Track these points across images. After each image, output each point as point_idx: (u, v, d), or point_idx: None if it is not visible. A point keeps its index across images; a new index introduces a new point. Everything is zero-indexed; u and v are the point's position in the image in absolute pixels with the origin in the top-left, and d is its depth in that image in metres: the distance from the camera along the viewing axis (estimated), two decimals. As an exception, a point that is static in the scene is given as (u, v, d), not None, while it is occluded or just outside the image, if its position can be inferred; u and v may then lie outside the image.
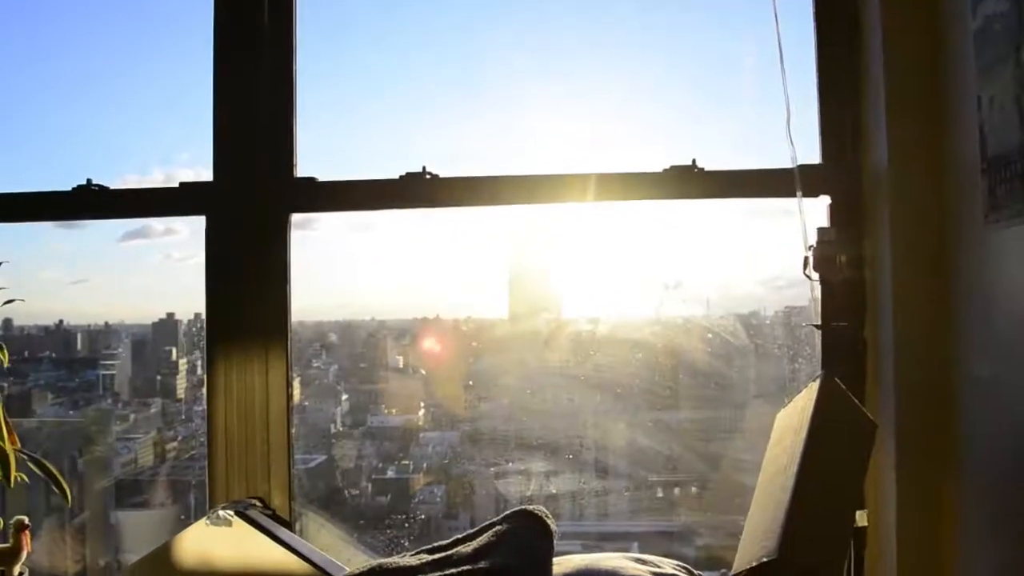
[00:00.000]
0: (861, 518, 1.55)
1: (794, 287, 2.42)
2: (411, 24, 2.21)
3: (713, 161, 1.73)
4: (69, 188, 1.83)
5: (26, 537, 1.61)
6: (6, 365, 1.67)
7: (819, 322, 1.59)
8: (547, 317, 2.63)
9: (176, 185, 1.84)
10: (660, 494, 2.53)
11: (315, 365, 3.35)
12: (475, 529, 1.53)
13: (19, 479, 1.57)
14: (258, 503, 1.75)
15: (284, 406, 1.77)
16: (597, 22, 2.04)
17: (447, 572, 1.38)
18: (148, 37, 2.45)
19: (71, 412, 3.96)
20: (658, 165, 1.73)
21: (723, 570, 1.63)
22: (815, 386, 1.45)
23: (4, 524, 1.63)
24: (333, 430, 3.50)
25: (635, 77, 2.02)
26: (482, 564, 1.37)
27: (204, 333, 3.77)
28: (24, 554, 1.60)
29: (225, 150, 1.81)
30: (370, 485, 3.42)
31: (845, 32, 1.72)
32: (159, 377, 4.00)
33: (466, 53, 2.20)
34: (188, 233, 2.99)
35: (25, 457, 1.59)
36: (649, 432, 2.50)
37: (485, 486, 2.96)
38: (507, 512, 1.52)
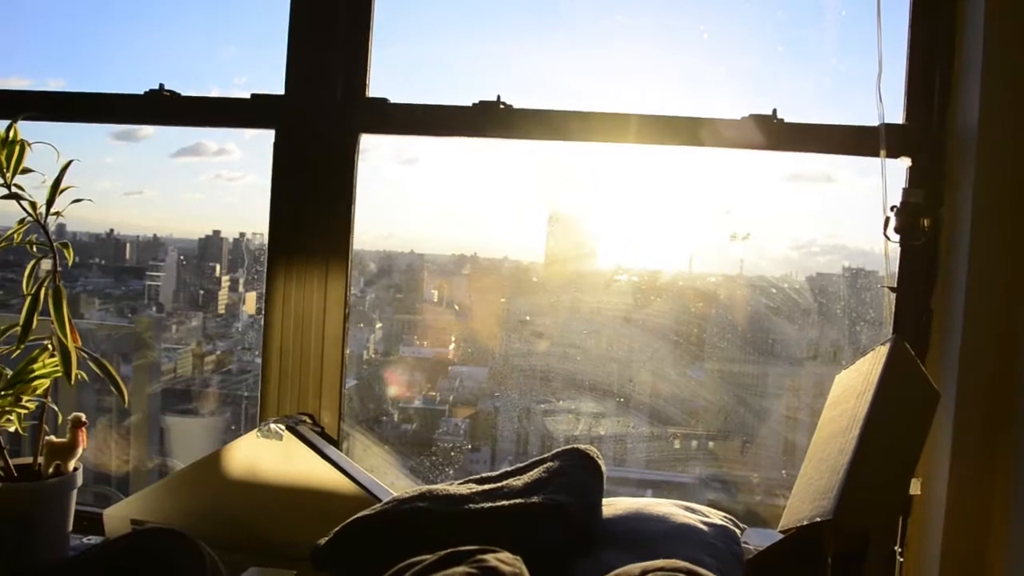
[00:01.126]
0: (914, 486, 1.52)
1: (827, 254, 2.37)
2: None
3: (795, 113, 1.66)
4: (141, 92, 1.80)
5: (82, 433, 1.61)
6: (71, 264, 1.66)
7: (894, 285, 1.53)
8: (601, 262, 2.60)
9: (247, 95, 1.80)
10: (709, 445, 2.52)
11: (352, 292, 3.36)
12: (525, 463, 1.51)
13: (79, 377, 1.57)
14: (308, 419, 1.74)
15: (340, 327, 1.75)
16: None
17: (498, 503, 1.36)
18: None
19: (117, 320, 4.01)
20: (737, 112, 1.66)
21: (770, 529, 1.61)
22: (883, 350, 1.41)
23: (62, 419, 1.64)
24: (365, 356, 3.51)
25: (722, 20, 1.93)
26: (534, 499, 1.36)
27: (245, 251, 3.79)
28: (80, 450, 1.61)
29: (299, 64, 1.76)
30: (397, 412, 3.44)
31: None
32: (202, 292, 4.03)
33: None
34: (240, 154, 2.98)
35: (86, 356, 1.59)
36: (700, 383, 2.47)
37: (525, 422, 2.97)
38: (558, 449, 1.51)
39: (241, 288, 3.92)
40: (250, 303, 3.90)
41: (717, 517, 1.50)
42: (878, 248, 1.63)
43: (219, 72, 3.00)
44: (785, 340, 2.42)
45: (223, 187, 3.29)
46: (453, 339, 3.46)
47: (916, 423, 1.38)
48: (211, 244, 3.98)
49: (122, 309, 4.04)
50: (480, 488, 1.44)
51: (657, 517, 1.43)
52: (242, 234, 3.92)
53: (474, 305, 3.29)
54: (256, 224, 3.54)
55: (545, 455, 1.50)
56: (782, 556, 1.36)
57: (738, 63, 1.95)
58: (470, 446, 3.27)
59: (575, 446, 1.49)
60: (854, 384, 1.45)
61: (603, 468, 1.45)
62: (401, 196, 2.80)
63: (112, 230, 4.27)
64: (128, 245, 4.00)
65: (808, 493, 1.39)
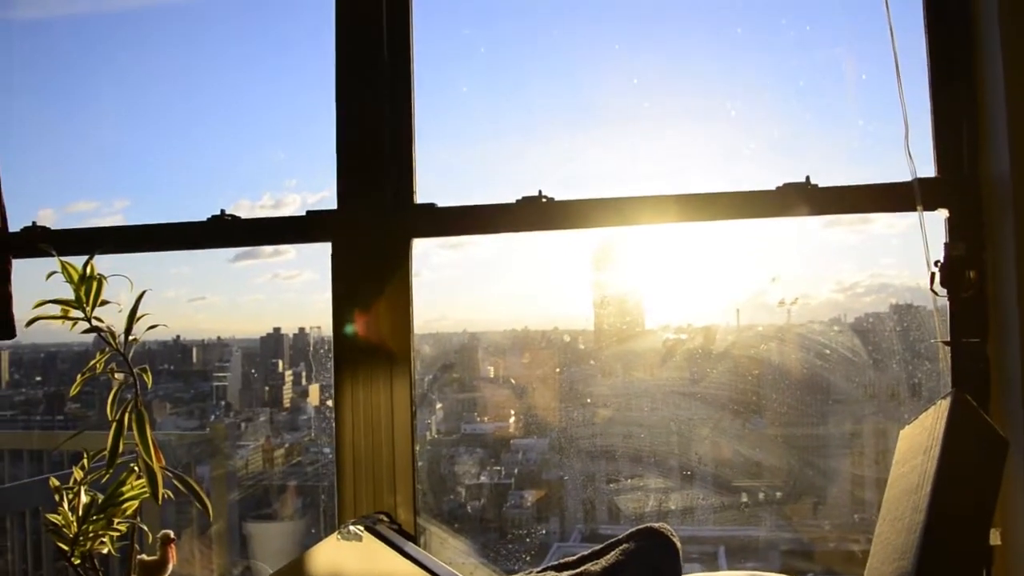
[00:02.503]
0: (994, 537, 1.48)
1: (871, 294, 2.36)
2: (524, 51, 2.23)
3: (827, 177, 1.68)
4: (205, 218, 1.89)
5: (172, 550, 1.66)
6: (150, 386, 1.73)
7: (947, 338, 1.52)
8: (650, 322, 2.61)
9: (303, 214, 1.88)
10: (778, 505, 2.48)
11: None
12: (601, 546, 1.51)
13: (165, 495, 1.62)
14: (385, 518, 1.76)
15: (408, 423, 1.78)
16: (710, 45, 2.02)
17: None
18: (272, 77, 2.55)
19: (187, 422, 4.10)
20: (771, 183, 1.69)
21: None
22: (945, 404, 1.40)
23: (151, 538, 1.68)
24: (429, 436, 3.54)
25: (749, 95, 1.99)
26: None
27: (311, 348, 3.85)
28: (171, 566, 1.65)
29: (349, 179, 1.84)
30: (464, 490, 3.45)
31: (961, 40, 1.65)
32: (267, 388, 4.12)
33: (579, 79, 2.21)
34: (294, 253, 3.09)
35: (170, 475, 1.64)
36: (762, 445, 2.45)
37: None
38: (632, 529, 1.50)
39: (303, 382, 4.01)
40: (314, 395, 3.98)
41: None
42: (923, 282, 1.62)
43: (272, 176, 3.13)
44: (843, 391, 2.40)
45: (281, 285, 3.39)
46: (512, 413, 3.47)
47: (988, 473, 1.36)
48: (272, 341, 4.08)
49: (192, 411, 4.14)
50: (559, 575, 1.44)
51: (736, 592, 1.41)
52: (301, 329, 4.03)
53: (529, 378, 3.31)
54: (314, 318, 3.65)
55: (620, 536, 1.50)
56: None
57: (768, 134, 1.99)
58: (537, 518, 3.26)
59: (649, 525, 1.49)
60: (920, 439, 1.44)
61: (679, 546, 1.45)
62: (450, 280, 2.85)
63: (178, 336, 4.41)
64: (194, 349, 4.13)
65: (887, 554, 1.36)
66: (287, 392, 4.08)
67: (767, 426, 2.56)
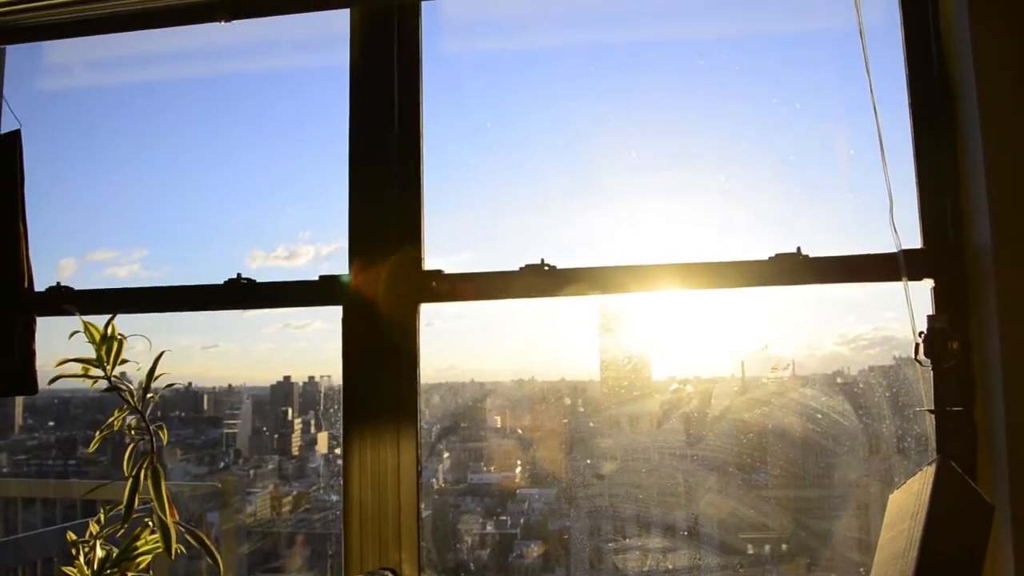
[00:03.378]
0: (981, 601, 1.50)
1: (875, 347, 2.40)
2: (525, 126, 2.33)
3: (818, 248, 1.74)
4: (221, 281, 1.96)
5: (183, 604, 1.69)
6: (165, 442, 1.77)
7: (931, 407, 1.57)
8: (655, 374, 2.65)
9: (316, 278, 1.95)
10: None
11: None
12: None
13: (177, 550, 1.66)
14: (390, 574, 1.80)
15: (414, 483, 1.82)
16: (705, 121, 2.10)
17: None
18: (289, 147, 2.67)
19: (197, 468, 4.14)
20: (764, 253, 1.75)
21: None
22: (931, 470, 1.43)
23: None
24: (436, 485, 3.56)
25: (741, 170, 2.06)
26: None
27: (320, 405, 3.90)
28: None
29: (361, 244, 1.91)
30: (470, 539, 3.46)
31: (942, 118, 1.72)
32: (276, 436, 4.15)
33: (578, 152, 2.29)
34: (305, 302, 3.16)
35: (183, 530, 1.68)
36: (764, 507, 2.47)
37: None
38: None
39: (312, 430, 4.04)
40: (322, 443, 4.01)
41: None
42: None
43: (285, 230, 3.21)
44: (845, 452, 2.42)
45: (292, 335, 3.44)
46: (519, 463, 3.49)
47: (974, 537, 1.40)
48: (282, 389, 4.13)
49: (203, 458, 4.18)
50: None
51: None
52: (311, 377, 4.08)
53: (536, 428, 3.33)
54: (324, 367, 3.71)
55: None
56: None
57: (761, 206, 2.07)
58: (543, 567, 3.27)
59: None
60: (907, 505, 1.47)
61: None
62: (460, 331, 2.90)
63: (191, 383, 4.46)
64: (206, 396, 4.17)
65: (876, 618, 1.39)
66: (296, 440, 4.11)
67: (768, 481, 2.58)
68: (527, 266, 1.81)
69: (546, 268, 1.80)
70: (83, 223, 3.20)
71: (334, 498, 3.85)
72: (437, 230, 1.94)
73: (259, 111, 2.90)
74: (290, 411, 4.01)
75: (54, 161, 2.74)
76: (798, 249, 1.73)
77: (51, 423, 4.23)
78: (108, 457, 4.02)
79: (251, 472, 4.10)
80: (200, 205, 3.19)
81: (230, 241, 3.33)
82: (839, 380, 2.43)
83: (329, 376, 3.93)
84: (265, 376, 4.17)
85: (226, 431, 4.11)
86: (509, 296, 1.85)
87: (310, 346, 3.59)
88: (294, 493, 3.90)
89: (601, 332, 2.57)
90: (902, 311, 2.27)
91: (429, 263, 1.91)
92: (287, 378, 4.09)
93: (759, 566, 2.54)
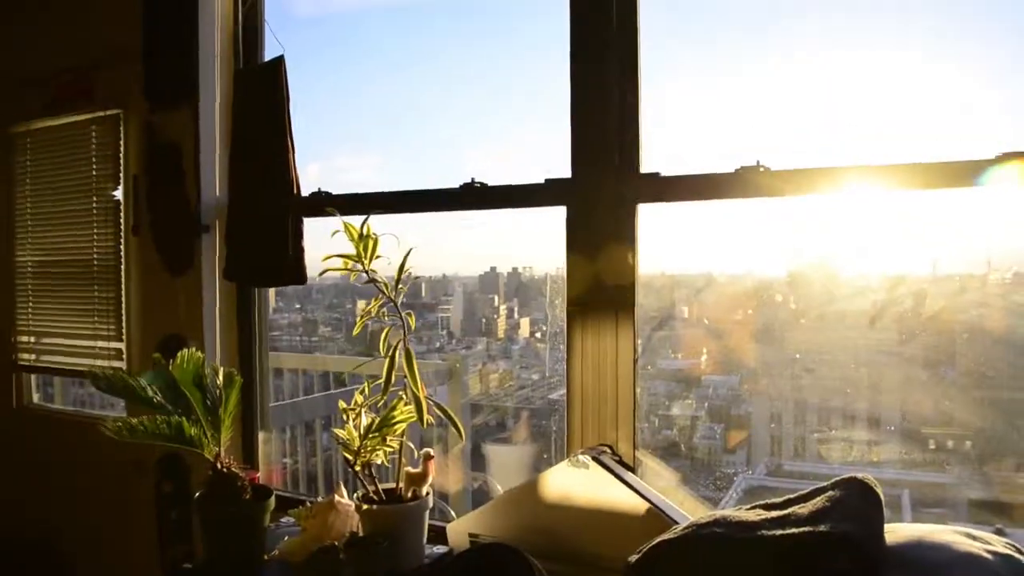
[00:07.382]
0: None
1: None
2: (734, 28, 2.23)
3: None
4: (458, 185, 2.07)
5: (432, 465, 1.88)
6: (413, 328, 1.93)
7: None
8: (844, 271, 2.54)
9: (542, 181, 2.02)
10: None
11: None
12: (806, 491, 1.54)
13: (429, 420, 1.84)
14: (608, 450, 1.90)
15: (631, 369, 1.89)
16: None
17: (788, 531, 1.40)
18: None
19: (417, 347, 4.49)
20: (988, 152, 1.59)
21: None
22: None
23: (416, 453, 1.91)
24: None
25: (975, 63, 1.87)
26: (822, 527, 1.38)
27: (547, 297, 4.07)
28: (431, 478, 1.88)
29: (582, 149, 1.94)
30: (657, 420, 3.55)
31: None
32: (483, 320, 4.40)
33: (789, 52, 2.17)
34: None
35: (432, 403, 1.86)
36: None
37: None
38: (838, 479, 1.52)
39: (515, 315, 4.24)
40: (524, 328, 4.21)
41: (1000, 545, 1.43)
42: None
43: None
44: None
45: (497, 227, 3.60)
46: (705, 351, 3.50)
47: None
48: (489, 279, 4.34)
49: (421, 338, 4.52)
50: (768, 515, 1.48)
51: (939, 545, 1.38)
52: (514, 268, 4.27)
53: (722, 319, 3.32)
54: (524, 259, 3.88)
55: (825, 484, 1.52)
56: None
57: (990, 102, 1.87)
58: (725, 448, 3.32)
59: (854, 476, 1.49)
60: None
61: (882, 498, 1.45)
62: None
63: (410, 272, 4.80)
64: (423, 284, 4.48)
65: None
66: (501, 324, 4.32)
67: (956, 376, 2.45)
68: (742, 167, 1.77)
69: (762, 170, 1.75)
70: (326, 135, 3.47)
71: (533, 376, 4.06)
72: (653, 133, 1.93)
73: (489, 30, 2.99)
74: (496, 298, 4.23)
75: (312, 77, 2.96)
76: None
77: (297, 305, 4.71)
78: (343, 335, 4.45)
79: (462, 352, 4.39)
80: (430, 122, 3.36)
81: (451, 155, 3.49)
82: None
83: (531, 267, 4.08)
84: (475, 266, 4.39)
85: (440, 315, 4.41)
86: (723, 197, 1.82)
87: (514, 239, 3.71)
88: (499, 372, 4.15)
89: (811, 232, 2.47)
90: None
91: (645, 166, 1.91)
92: (493, 268, 4.30)
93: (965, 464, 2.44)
